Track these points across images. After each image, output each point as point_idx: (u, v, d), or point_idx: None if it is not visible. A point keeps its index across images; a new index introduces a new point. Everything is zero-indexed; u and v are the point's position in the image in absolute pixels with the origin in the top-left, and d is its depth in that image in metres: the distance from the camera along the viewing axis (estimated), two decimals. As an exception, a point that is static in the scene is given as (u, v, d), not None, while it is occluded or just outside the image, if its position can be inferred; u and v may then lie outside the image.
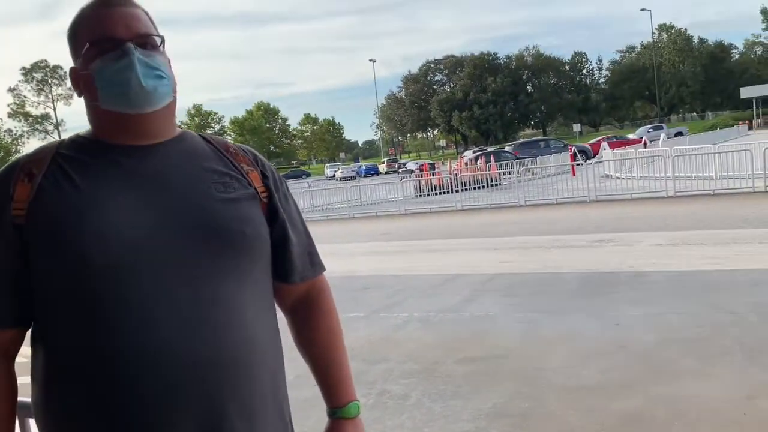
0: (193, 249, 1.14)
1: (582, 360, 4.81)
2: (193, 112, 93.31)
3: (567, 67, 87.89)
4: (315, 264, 1.38)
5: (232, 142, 1.37)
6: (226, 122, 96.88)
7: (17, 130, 78.02)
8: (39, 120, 78.84)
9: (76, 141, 1.23)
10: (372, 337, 6.12)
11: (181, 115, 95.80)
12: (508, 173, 20.71)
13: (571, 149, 26.99)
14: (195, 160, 1.23)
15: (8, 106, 78.44)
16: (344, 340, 1.44)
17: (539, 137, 49.11)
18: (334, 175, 53.16)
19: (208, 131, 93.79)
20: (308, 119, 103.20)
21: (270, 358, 1.23)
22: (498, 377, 4.67)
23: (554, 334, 5.56)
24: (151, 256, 1.11)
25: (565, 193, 16.54)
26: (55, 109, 79.37)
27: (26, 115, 78.28)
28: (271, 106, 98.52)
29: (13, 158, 1.34)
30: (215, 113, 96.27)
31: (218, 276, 1.16)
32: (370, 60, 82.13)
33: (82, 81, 1.21)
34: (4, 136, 77.37)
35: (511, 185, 19.29)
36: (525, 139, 47.66)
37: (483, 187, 19.89)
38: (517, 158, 25.26)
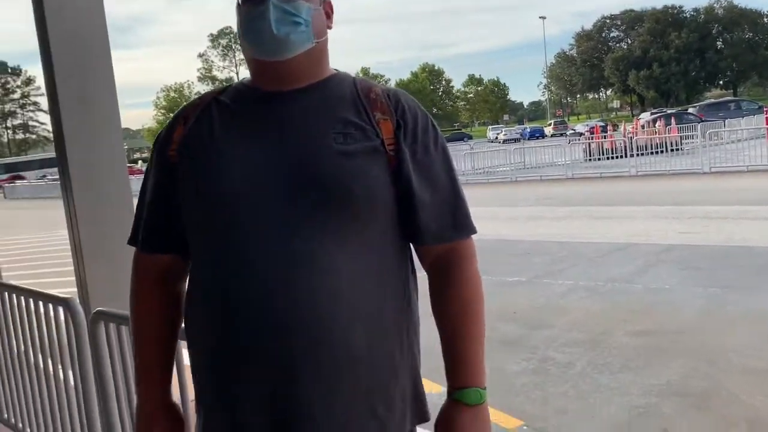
0: (294, 202, 1.11)
1: (773, 342, 4.33)
2: (360, 75, 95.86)
3: (765, 19, 78.18)
4: (459, 227, 1.23)
5: (384, 86, 1.27)
6: (392, 85, 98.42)
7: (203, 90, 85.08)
8: (224, 83, 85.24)
9: (236, 87, 1.27)
10: (534, 303, 5.97)
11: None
12: (691, 137, 19.02)
13: (766, 112, 24.14)
14: (328, 108, 1.18)
15: (198, 70, 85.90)
16: (483, 319, 1.25)
17: (729, 98, 44.40)
18: (496, 138, 52.06)
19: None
20: (472, 80, 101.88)
21: (366, 325, 1.14)
22: (673, 353, 4.34)
23: (739, 312, 5.05)
24: (253, 206, 1.12)
25: (758, 159, 14.85)
26: (237, 73, 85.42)
27: (213, 79, 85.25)
28: (436, 68, 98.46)
29: None
30: (381, 76, 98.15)
31: (315, 234, 1.11)
32: (539, 17, 78.86)
33: (238, 29, 1.23)
34: (194, 97, 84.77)
35: (693, 150, 17.75)
36: (712, 100, 43.33)
37: (661, 152, 18.45)
38: (702, 121, 23.08)
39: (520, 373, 4.31)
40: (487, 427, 1.25)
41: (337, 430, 1.13)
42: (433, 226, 1.20)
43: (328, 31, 1.25)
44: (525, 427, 3.51)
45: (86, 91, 2.96)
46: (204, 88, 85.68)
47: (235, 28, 1.29)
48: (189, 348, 1.24)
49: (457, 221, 1.23)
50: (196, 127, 1.22)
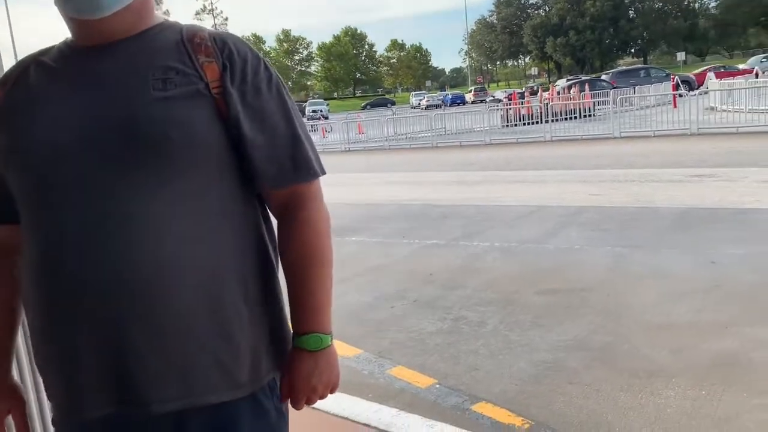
0: (111, 157, 1.06)
1: (672, 297, 4.55)
2: (281, 37, 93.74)
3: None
4: (299, 169, 1.19)
5: (214, 30, 1.22)
6: (314, 48, 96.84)
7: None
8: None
9: (58, 47, 1.20)
10: (450, 265, 6.04)
11: (269, 41, 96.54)
12: (604, 103, 19.68)
13: (673, 79, 25.27)
14: (147, 57, 1.12)
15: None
16: (328, 263, 1.24)
17: (639, 66, 46.17)
18: (419, 104, 52.35)
19: (296, 57, 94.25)
20: (395, 45, 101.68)
21: (200, 275, 1.10)
22: (580, 310, 4.50)
23: (644, 270, 5.29)
24: (64, 165, 1.07)
25: (664, 125, 15.57)
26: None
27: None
28: (359, 32, 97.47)
29: None
30: (303, 39, 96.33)
31: (130, 187, 1.06)
32: (461, -17, 79.01)
33: None
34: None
35: (605, 116, 18.37)
36: (624, 68, 44.94)
37: (575, 117, 19.02)
38: (614, 87, 23.90)
39: (434, 333, 4.36)
40: (332, 372, 1.25)
41: (176, 376, 1.10)
42: (271, 170, 1.17)
43: None
44: (438, 385, 3.55)
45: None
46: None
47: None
48: (25, 310, 1.21)
49: (297, 164, 1.20)
50: (13, 91, 1.16)
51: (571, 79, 33.79)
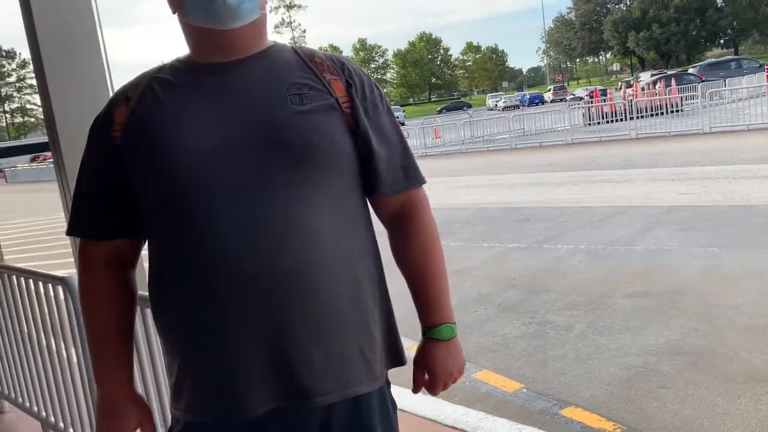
0: (262, 163, 1.13)
1: (772, 299, 4.35)
2: (357, 46, 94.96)
3: (767, -25, 76.83)
4: (409, 177, 1.31)
5: (322, 51, 1.30)
6: (390, 55, 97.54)
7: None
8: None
9: (174, 65, 1.25)
10: (533, 268, 5.99)
11: (346, 50, 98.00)
12: (692, 98, 18.86)
13: (767, 69, 23.88)
14: (277, 74, 1.20)
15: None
16: (443, 260, 1.35)
17: (730, 57, 43.85)
18: (496, 105, 51.69)
19: (372, 65, 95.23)
20: (470, 48, 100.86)
21: (347, 270, 1.19)
22: (672, 313, 4.36)
23: (739, 271, 5.07)
24: (220, 173, 1.13)
25: (759, 118, 14.74)
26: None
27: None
28: (434, 37, 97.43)
29: None
30: (379, 46, 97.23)
31: (286, 190, 1.14)
32: (537, -19, 77.54)
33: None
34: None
35: (694, 111, 17.61)
36: (713, 60, 42.79)
37: (662, 113, 18.32)
38: (703, 81, 22.86)
39: (519, 337, 4.34)
40: (461, 357, 1.37)
41: (334, 369, 1.17)
42: (389, 179, 1.27)
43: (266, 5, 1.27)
44: (525, 390, 3.55)
45: (74, 71, 2.92)
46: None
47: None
48: (163, 328, 1.24)
49: (408, 173, 1.31)
50: (141, 107, 1.20)
51: (656, 74, 32.48)
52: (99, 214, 1.25)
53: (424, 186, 1.35)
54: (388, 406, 1.29)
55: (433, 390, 1.36)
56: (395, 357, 1.31)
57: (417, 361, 1.36)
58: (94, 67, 2.99)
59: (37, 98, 76.43)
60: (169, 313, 1.21)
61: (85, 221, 1.27)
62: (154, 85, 1.22)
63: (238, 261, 1.11)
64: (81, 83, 2.95)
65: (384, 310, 1.29)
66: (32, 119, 79.55)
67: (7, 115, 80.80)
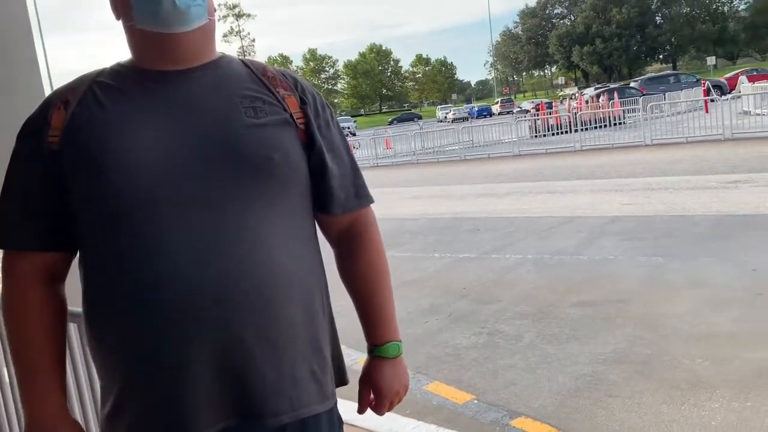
0: (216, 176, 1.10)
1: (712, 307, 4.47)
2: (308, 56, 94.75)
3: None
4: (360, 196, 1.31)
5: (271, 65, 1.30)
6: (340, 66, 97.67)
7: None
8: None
9: (115, 69, 1.20)
10: (483, 278, 6.02)
11: (296, 60, 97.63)
12: (633, 111, 19.46)
13: (704, 84, 24.86)
14: (229, 85, 1.18)
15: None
16: (390, 278, 1.36)
17: (668, 71, 45.54)
18: (446, 117, 52.35)
19: (322, 75, 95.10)
20: (420, 60, 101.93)
21: (300, 288, 1.17)
22: (618, 322, 4.44)
23: (681, 280, 5.20)
24: (171, 184, 1.08)
25: (696, 131, 15.31)
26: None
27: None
28: (384, 48, 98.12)
29: None
30: (329, 57, 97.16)
31: (240, 204, 1.11)
32: (484, -4, 79.04)
33: (119, 0, 1.17)
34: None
35: (636, 123, 18.18)
36: (653, 74, 44.36)
37: (605, 126, 18.84)
38: (644, 95, 23.63)
39: (470, 347, 4.34)
40: (406, 375, 1.36)
41: (286, 389, 1.14)
42: (341, 196, 1.26)
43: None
44: (476, 401, 3.54)
45: (9, 81, 2.79)
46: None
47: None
48: (99, 352, 1.16)
49: (360, 192, 1.31)
50: (80, 111, 1.14)
51: (599, 88, 33.48)
52: (31, 225, 1.16)
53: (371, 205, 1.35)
54: (337, 423, 1.27)
55: (378, 409, 1.35)
56: (340, 376, 1.30)
57: (362, 380, 1.35)
58: (30, 75, 2.86)
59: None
60: (109, 333, 1.13)
61: (15, 232, 1.17)
62: (96, 89, 1.16)
63: (188, 277, 1.06)
64: (15, 89, 2.82)
65: (331, 328, 1.28)
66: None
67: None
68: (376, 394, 1.33)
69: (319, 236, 1.29)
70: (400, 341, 1.34)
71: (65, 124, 1.13)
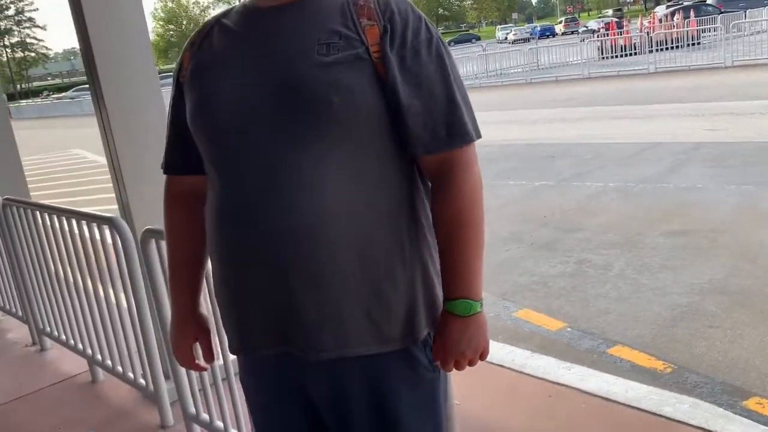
0: (277, 115, 1.12)
1: (814, 238, 4.29)
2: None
3: None
4: (453, 135, 1.16)
5: None
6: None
7: (204, 2, 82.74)
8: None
9: (237, 9, 1.26)
10: (564, 206, 5.92)
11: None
12: (711, 30, 18.32)
13: (791, -1, 23.10)
14: (315, 20, 1.15)
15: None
16: (480, 231, 1.21)
17: (749, -14, 42.36)
18: (506, 38, 50.57)
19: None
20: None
21: (357, 233, 1.13)
22: (712, 252, 4.32)
23: (777, 209, 4.99)
24: (240, 124, 1.14)
25: (782, 51, 14.36)
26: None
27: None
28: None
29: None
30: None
31: (296, 147, 1.11)
32: None
33: None
34: (193, 7, 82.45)
35: (714, 44, 17.15)
36: (731, -10, 41.32)
37: (680, 46, 17.84)
38: (722, 12, 22.15)
39: (557, 276, 4.32)
40: (480, 338, 1.24)
41: (329, 327, 1.17)
42: (425, 136, 1.16)
43: None
44: (569, 329, 3.54)
45: (112, 4, 2.80)
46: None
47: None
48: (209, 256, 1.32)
49: (452, 130, 1.17)
50: (199, 53, 1.25)
51: (672, 5, 31.50)
52: (177, 152, 1.34)
53: (475, 144, 1.21)
54: (420, 365, 1.24)
55: (443, 365, 1.27)
56: (434, 318, 1.26)
57: (435, 332, 1.27)
58: (134, 13, 2.87)
59: (37, 32, 75.13)
60: (209, 243, 1.28)
61: (167, 158, 1.37)
62: (215, 30, 1.25)
63: (248, 213, 1.14)
64: (119, 18, 2.83)
65: (424, 273, 1.22)
66: (33, 54, 78.32)
67: (8, 50, 79.40)
68: (441, 349, 1.25)
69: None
70: (477, 301, 1.22)
71: (189, 64, 1.26)
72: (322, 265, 1.12)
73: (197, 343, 1.47)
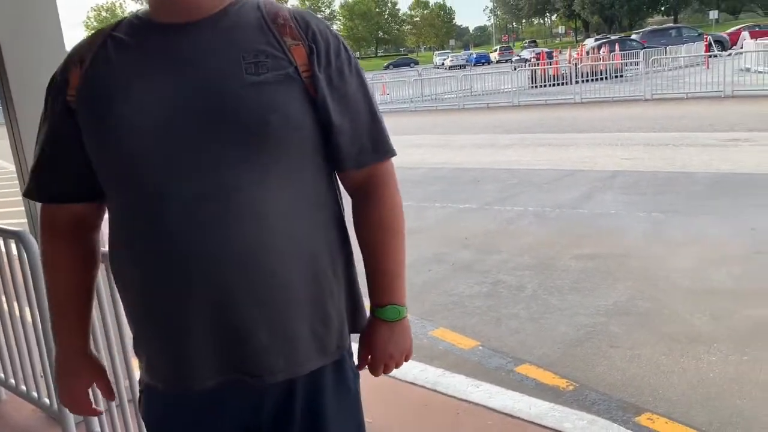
0: (210, 139, 1.07)
1: (711, 264, 4.58)
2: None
3: (709, -56, 78.43)
4: (378, 150, 1.22)
5: (292, 7, 1.20)
6: (336, 6, 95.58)
7: (134, 9, 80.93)
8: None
9: (131, 21, 1.18)
10: (485, 229, 6.11)
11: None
12: (634, 64, 19.30)
13: (706, 39, 24.60)
14: (233, 38, 1.11)
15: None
16: (403, 239, 1.28)
17: (670, 25, 44.89)
18: (443, 64, 51.69)
19: (318, 16, 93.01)
20: (418, 3, 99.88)
21: (299, 251, 1.14)
22: (619, 275, 4.55)
23: (681, 236, 5.30)
24: (165, 144, 1.07)
25: (697, 86, 15.25)
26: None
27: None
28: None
29: None
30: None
31: (234, 167, 1.07)
32: (487, -62, 76.90)
33: None
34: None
35: (636, 77, 18.06)
36: (655, 27, 43.72)
37: (605, 78, 18.71)
38: (645, 47, 23.38)
39: (473, 296, 4.45)
40: (406, 340, 1.32)
41: (280, 348, 1.15)
42: (352, 151, 1.19)
43: None
44: (481, 348, 3.66)
45: (25, 11, 2.76)
46: (137, 6, 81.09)
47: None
48: (121, 291, 1.22)
49: (376, 145, 1.22)
50: (92, 69, 1.14)
51: (600, 39, 33.04)
52: (58, 178, 1.22)
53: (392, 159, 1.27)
54: (347, 374, 1.27)
55: (373, 370, 1.33)
56: (357, 324, 1.29)
57: (361, 338, 1.33)
58: (47, 19, 2.83)
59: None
60: (123, 277, 1.20)
61: (45, 185, 1.23)
62: (109, 45, 1.15)
63: (181, 241, 1.08)
64: (34, 34, 2.79)
65: (349, 281, 1.26)
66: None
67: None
68: (371, 354, 1.31)
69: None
70: (404, 306, 1.29)
71: (79, 83, 1.15)
72: (270, 286, 1.11)
73: (92, 385, 1.36)
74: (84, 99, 1.13)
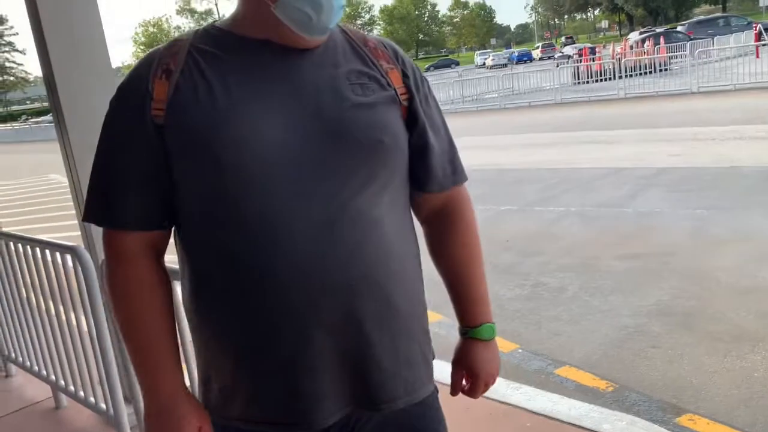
0: (329, 161, 1.04)
1: (758, 261, 4.49)
2: (343, 1, 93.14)
3: (758, -71, 75.79)
4: (457, 173, 1.24)
5: (370, 34, 1.23)
6: (376, 11, 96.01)
7: (185, 27, 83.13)
8: (203, 16, 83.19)
9: (212, 33, 1.10)
10: (526, 230, 6.09)
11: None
12: (680, 56, 18.85)
13: (756, 27, 23.82)
14: (335, 60, 1.10)
15: (176, 3, 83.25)
16: (482, 258, 1.31)
17: (718, 15, 43.59)
18: (484, 63, 51.35)
19: (358, 21, 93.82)
20: (458, 4, 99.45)
21: (411, 271, 1.16)
22: (662, 275, 4.50)
23: (727, 233, 5.20)
24: (285, 168, 1.02)
25: (746, 78, 14.80)
26: (216, 4, 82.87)
27: (192, 12, 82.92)
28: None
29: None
30: (365, 2, 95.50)
31: (353, 189, 1.05)
32: (526, -65, 76.11)
33: None
34: (174, 32, 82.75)
35: (682, 70, 17.64)
36: (701, 17, 42.53)
37: (650, 72, 18.32)
38: (691, 39, 22.79)
39: (513, 299, 4.46)
40: (499, 357, 1.34)
41: (402, 374, 1.14)
42: (439, 174, 1.21)
43: None
44: (520, 351, 3.68)
45: (74, 31, 2.89)
46: (183, 21, 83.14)
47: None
48: (215, 325, 1.11)
49: (456, 168, 1.25)
50: (185, 83, 1.04)
51: (645, 32, 32.31)
52: (137, 202, 1.08)
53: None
54: (437, 399, 1.26)
55: (473, 393, 1.32)
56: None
57: (456, 362, 1.31)
58: (92, 29, 2.94)
59: (16, 56, 74.82)
60: (221, 321, 1.10)
61: (120, 210, 1.09)
62: (196, 56, 1.06)
63: (303, 265, 1.02)
64: (81, 46, 2.91)
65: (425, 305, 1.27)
66: (12, 78, 77.80)
67: (-14, 74, 78.87)
68: (473, 376, 1.30)
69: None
70: (494, 323, 1.31)
71: (169, 97, 1.03)
72: (394, 309, 1.11)
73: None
74: (180, 117, 1.03)
